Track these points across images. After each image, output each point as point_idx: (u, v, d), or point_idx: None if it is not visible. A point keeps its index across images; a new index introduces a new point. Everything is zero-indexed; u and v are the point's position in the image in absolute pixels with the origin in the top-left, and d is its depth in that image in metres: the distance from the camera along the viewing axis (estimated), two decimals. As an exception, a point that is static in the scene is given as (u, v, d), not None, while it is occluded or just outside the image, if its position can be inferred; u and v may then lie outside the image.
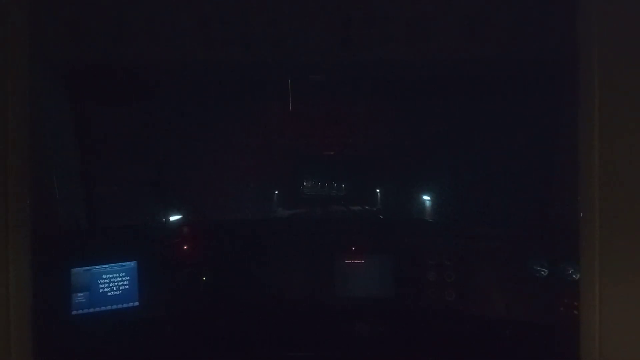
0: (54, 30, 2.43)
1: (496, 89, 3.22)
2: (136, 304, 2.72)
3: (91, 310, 2.62)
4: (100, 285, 2.65)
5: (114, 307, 2.67)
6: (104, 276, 2.67)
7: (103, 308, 2.65)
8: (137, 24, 2.44)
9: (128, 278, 2.72)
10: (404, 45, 2.52)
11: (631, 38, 0.89)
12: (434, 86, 3.29)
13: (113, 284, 2.68)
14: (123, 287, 2.70)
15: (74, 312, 2.58)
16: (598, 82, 0.91)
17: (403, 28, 2.45)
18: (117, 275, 2.70)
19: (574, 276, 2.43)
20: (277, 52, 2.55)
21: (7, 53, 0.95)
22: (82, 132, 3.02)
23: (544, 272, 2.55)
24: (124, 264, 2.72)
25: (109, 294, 2.67)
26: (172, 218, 4.35)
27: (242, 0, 2.32)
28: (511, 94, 3.22)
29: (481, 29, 2.44)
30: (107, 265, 2.68)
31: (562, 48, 2.22)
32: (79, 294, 2.60)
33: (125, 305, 2.70)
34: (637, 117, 0.89)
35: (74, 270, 2.61)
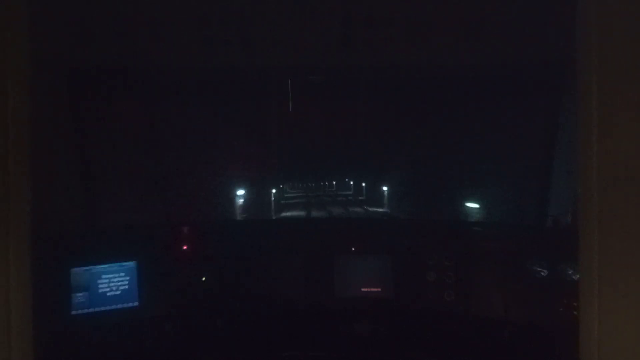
0: (54, 30, 2.43)
1: (495, 90, 3.23)
2: (136, 304, 2.72)
3: (91, 310, 2.62)
4: (100, 285, 2.65)
5: (114, 307, 2.67)
6: (103, 276, 2.67)
7: (103, 308, 2.65)
8: (137, 24, 2.45)
9: (128, 278, 2.72)
10: (404, 47, 2.53)
11: (631, 38, 0.89)
12: (433, 88, 3.30)
13: (113, 284, 2.68)
14: (123, 287, 2.70)
15: (73, 312, 2.58)
16: (596, 81, 0.92)
17: (402, 30, 2.46)
18: (117, 275, 2.70)
19: (574, 276, 2.43)
20: (277, 53, 2.55)
21: (7, 53, 0.95)
22: (82, 132, 3.02)
23: (544, 272, 2.55)
24: (123, 263, 2.72)
25: (108, 294, 2.67)
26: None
27: (242, 1, 2.32)
28: (511, 95, 3.22)
29: (480, 32, 2.44)
30: (106, 265, 2.68)
31: (560, 51, 2.22)
32: (78, 294, 2.60)
33: (125, 305, 2.70)
34: (636, 117, 0.89)
35: (74, 270, 2.61)
